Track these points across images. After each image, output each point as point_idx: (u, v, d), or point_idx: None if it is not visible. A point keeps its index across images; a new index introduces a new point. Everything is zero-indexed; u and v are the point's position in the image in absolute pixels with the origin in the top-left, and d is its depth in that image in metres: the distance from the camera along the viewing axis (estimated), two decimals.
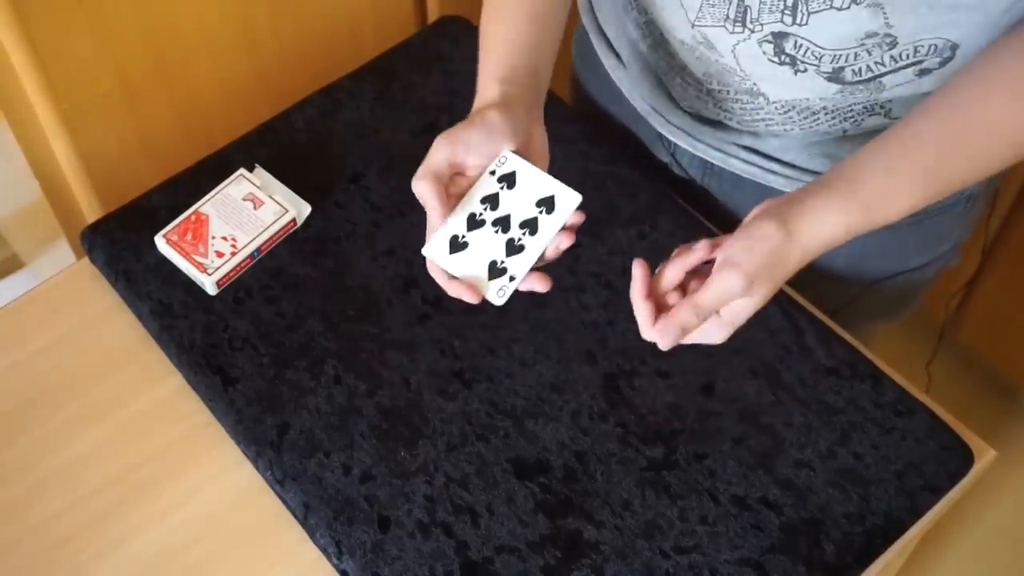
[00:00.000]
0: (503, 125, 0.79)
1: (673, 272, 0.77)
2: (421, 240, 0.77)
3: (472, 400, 0.89)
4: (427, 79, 1.10)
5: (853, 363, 0.91)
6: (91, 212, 1.15)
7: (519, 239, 0.78)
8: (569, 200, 0.79)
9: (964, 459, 0.86)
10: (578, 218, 0.80)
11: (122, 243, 0.98)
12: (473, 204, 0.79)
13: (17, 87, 1.02)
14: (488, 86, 0.81)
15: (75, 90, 1.05)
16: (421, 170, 0.78)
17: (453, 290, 0.78)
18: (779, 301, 0.94)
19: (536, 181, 0.79)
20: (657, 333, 0.76)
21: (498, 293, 0.77)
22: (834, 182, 0.75)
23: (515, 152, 0.79)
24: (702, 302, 0.74)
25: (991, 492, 1.67)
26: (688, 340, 0.77)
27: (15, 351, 0.95)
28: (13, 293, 1.00)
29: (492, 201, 0.79)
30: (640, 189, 1.01)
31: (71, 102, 1.05)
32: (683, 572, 0.81)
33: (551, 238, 0.78)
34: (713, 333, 0.77)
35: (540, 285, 0.79)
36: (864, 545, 0.82)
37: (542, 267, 0.79)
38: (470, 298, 0.78)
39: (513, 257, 0.78)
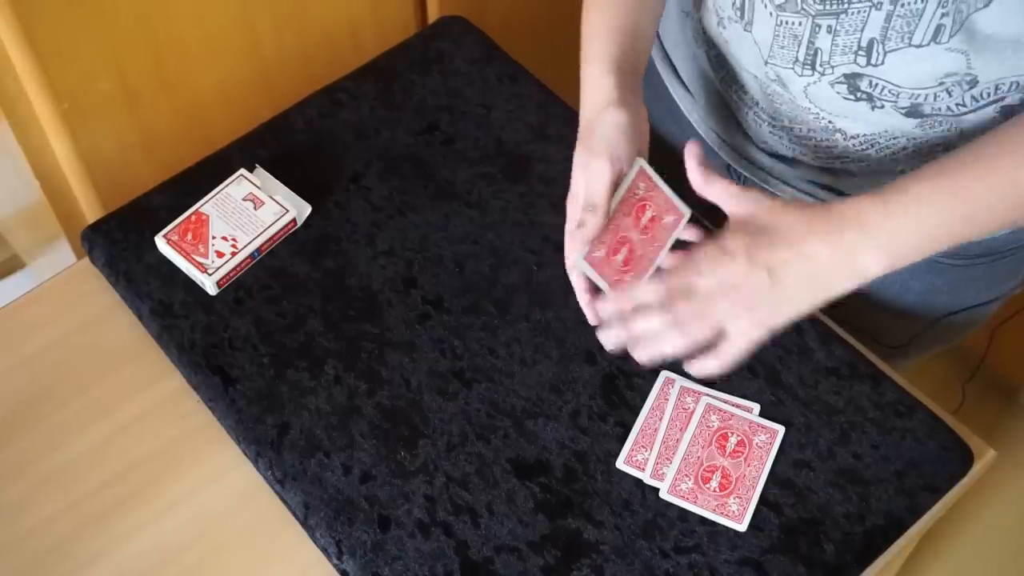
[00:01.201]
0: (633, 123, 0.80)
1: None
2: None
3: (472, 400, 0.89)
4: (427, 79, 1.10)
5: (853, 363, 0.91)
6: (91, 212, 1.15)
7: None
8: (679, 217, 0.84)
9: (964, 459, 0.86)
10: (692, 234, 0.84)
11: (122, 243, 0.98)
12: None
13: (17, 87, 1.02)
14: (602, 76, 0.81)
15: (75, 90, 1.04)
16: (596, 199, 0.79)
17: (585, 303, 0.83)
18: None
19: (658, 195, 0.83)
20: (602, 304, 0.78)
21: None
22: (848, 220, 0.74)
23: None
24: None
25: (991, 492, 1.67)
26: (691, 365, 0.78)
27: (15, 351, 0.95)
28: (13, 293, 1.00)
29: None
30: None
31: (71, 102, 1.05)
32: (683, 572, 0.81)
33: (664, 252, 0.83)
34: (708, 363, 0.77)
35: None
36: (864, 545, 0.82)
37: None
38: (593, 320, 0.83)
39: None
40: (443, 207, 1.00)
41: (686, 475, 0.84)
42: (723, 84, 0.93)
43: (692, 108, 1.00)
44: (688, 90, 0.99)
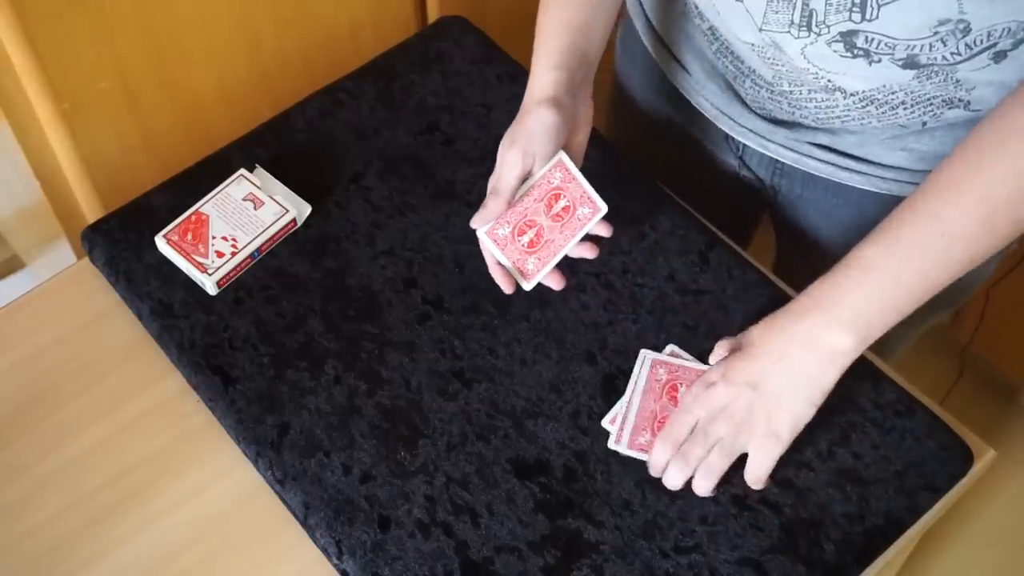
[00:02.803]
0: (558, 124, 0.86)
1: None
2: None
3: (472, 400, 0.89)
4: (427, 79, 1.10)
5: (853, 363, 0.90)
6: (91, 212, 1.15)
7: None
8: (595, 211, 0.89)
9: (964, 459, 0.86)
10: (605, 229, 0.90)
11: (122, 243, 0.98)
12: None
13: (17, 87, 1.02)
14: (539, 74, 0.87)
15: (75, 90, 1.05)
16: (501, 186, 0.87)
17: (495, 275, 0.90)
18: (780, 302, 0.94)
19: (575, 187, 0.89)
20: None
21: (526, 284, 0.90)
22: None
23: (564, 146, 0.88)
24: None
25: (991, 492, 1.67)
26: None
27: (15, 351, 0.95)
28: (13, 293, 1.00)
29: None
30: (640, 189, 1.01)
31: (71, 102, 1.05)
32: (683, 572, 0.81)
33: (574, 241, 0.89)
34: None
35: (555, 283, 0.90)
36: (864, 545, 0.82)
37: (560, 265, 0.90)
38: (506, 287, 0.90)
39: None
40: (443, 207, 1.00)
41: (643, 429, 0.86)
42: (717, 55, 0.94)
43: (686, 82, 1.01)
44: (682, 65, 1.00)
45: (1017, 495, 1.68)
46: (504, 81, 1.09)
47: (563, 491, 0.84)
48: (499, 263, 0.90)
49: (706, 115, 1.00)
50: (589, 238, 0.90)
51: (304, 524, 0.84)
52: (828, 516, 0.83)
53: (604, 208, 0.89)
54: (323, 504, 0.84)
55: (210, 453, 0.89)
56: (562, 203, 0.89)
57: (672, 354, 0.90)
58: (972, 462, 0.86)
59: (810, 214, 1.04)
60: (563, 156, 0.88)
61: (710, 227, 1.00)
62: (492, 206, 0.87)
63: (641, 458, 0.85)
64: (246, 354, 0.91)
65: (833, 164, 0.94)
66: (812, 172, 0.96)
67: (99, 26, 1.02)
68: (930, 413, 0.88)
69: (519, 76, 1.09)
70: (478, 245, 0.91)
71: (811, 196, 1.01)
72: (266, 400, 0.89)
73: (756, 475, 0.83)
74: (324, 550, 0.83)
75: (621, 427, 0.86)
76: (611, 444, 0.86)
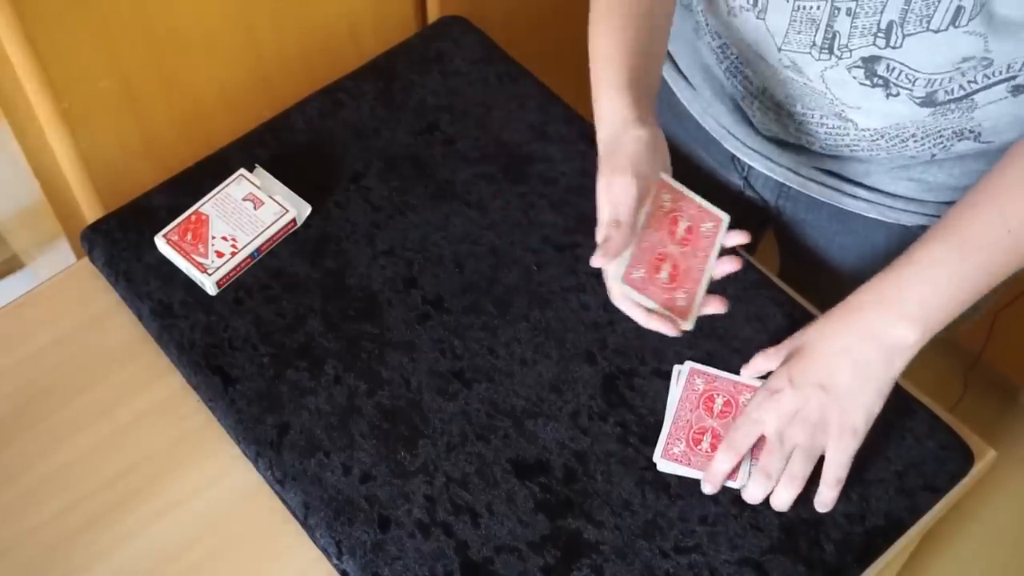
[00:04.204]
0: (655, 142, 0.78)
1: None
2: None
3: (472, 400, 0.89)
4: (427, 79, 1.10)
5: None
6: (91, 212, 1.15)
7: None
8: (717, 222, 0.82)
9: (964, 459, 0.86)
10: (741, 237, 0.82)
11: (122, 243, 0.98)
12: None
13: (17, 87, 1.02)
14: (613, 98, 0.79)
15: (75, 90, 1.04)
16: (622, 215, 0.77)
17: (652, 324, 0.80)
18: (780, 303, 0.94)
19: (688, 204, 0.81)
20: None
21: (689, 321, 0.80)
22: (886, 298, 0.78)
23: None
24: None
25: (991, 492, 1.67)
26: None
27: (15, 351, 0.95)
28: (13, 293, 1.00)
29: None
30: None
31: (71, 102, 1.05)
32: (683, 572, 0.81)
33: (713, 259, 0.81)
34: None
35: (716, 307, 0.82)
36: (864, 545, 0.82)
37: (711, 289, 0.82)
38: (669, 331, 0.79)
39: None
40: (443, 207, 1.00)
41: (677, 439, 0.85)
42: (727, 74, 0.93)
43: (693, 100, 1.00)
44: (689, 83, 0.99)
45: (1017, 495, 1.68)
46: (504, 81, 1.09)
47: (563, 491, 0.84)
48: (645, 308, 0.80)
49: (713, 134, 1.00)
50: (725, 250, 0.84)
51: (304, 524, 0.84)
52: (828, 516, 0.83)
53: (726, 217, 0.82)
54: (323, 504, 0.84)
55: (210, 453, 0.89)
56: (683, 224, 0.80)
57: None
58: (972, 462, 0.86)
59: (814, 237, 1.03)
60: (664, 176, 0.80)
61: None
62: (616, 236, 0.76)
63: (677, 472, 0.84)
64: (246, 354, 0.91)
65: (838, 191, 0.94)
66: (816, 197, 0.96)
67: (99, 26, 1.02)
68: (930, 413, 0.88)
69: (519, 76, 1.09)
70: (478, 245, 0.91)
71: (815, 220, 1.01)
72: (266, 400, 0.89)
73: (837, 474, 0.81)
74: (324, 550, 0.83)
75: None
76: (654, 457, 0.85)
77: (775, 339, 0.91)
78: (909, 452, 0.86)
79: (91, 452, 0.89)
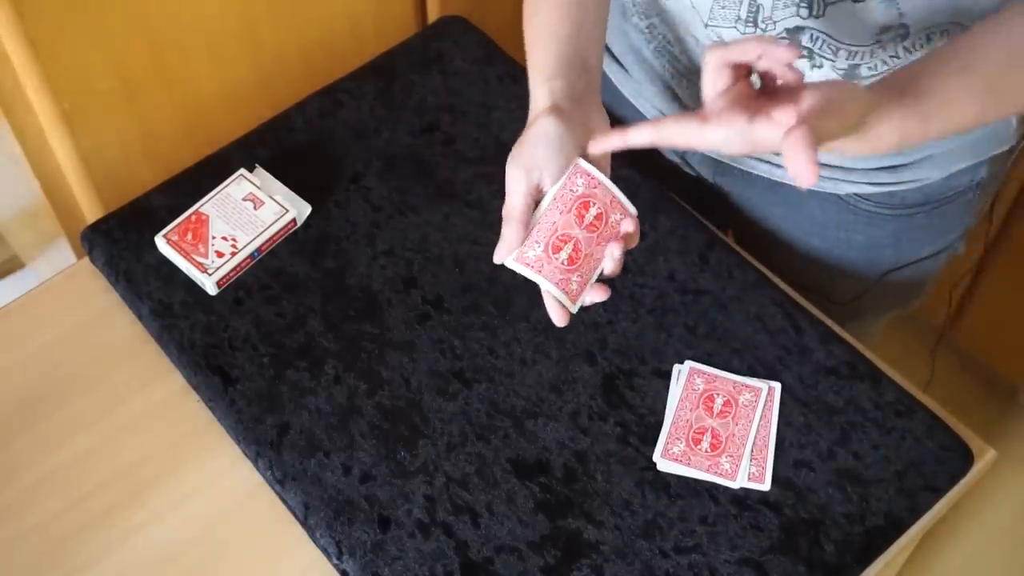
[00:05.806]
0: (562, 132, 0.76)
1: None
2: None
3: (472, 400, 0.89)
4: (427, 79, 1.10)
5: (853, 363, 0.91)
6: (91, 212, 1.15)
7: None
8: (627, 216, 0.79)
9: (964, 459, 0.86)
10: (630, 224, 0.79)
11: (122, 243, 0.98)
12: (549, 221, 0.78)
13: (17, 87, 1.02)
14: (537, 86, 0.79)
15: (75, 90, 1.04)
16: (509, 209, 0.76)
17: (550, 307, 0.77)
18: (779, 302, 0.94)
19: (603, 192, 0.79)
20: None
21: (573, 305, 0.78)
22: (896, 89, 0.70)
23: (583, 154, 0.78)
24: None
25: (991, 492, 1.67)
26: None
27: (15, 351, 0.95)
28: (13, 293, 1.00)
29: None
30: (640, 189, 1.01)
31: (71, 102, 1.05)
32: (683, 572, 0.81)
33: (613, 252, 0.78)
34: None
35: (599, 295, 0.78)
36: (864, 545, 0.82)
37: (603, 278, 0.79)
38: (559, 319, 0.77)
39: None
40: (443, 207, 1.00)
41: (677, 439, 0.85)
42: (655, 54, 0.94)
43: (626, 83, 1.01)
44: (622, 66, 1.00)
45: (1017, 495, 1.68)
46: (504, 81, 1.09)
47: (563, 491, 0.84)
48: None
49: (647, 116, 1.00)
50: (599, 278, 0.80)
51: (304, 524, 0.84)
52: (828, 516, 0.83)
53: (634, 212, 0.81)
54: (323, 504, 0.84)
55: (210, 453, 0.89)
56: (594, 211, 0.79)
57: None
58: (972, 462, 0.86)
59: (752, 211, 1.05)
60: (581, 162, 0.78)
61: (710, 227, 1.00)
62: (507, 234, 0.77)
63: (677, 471, 0.84)
64: (246, 354, 0.91)
65: (770, 163, 0.96)
66: (750, 171, 0.97)
67: (99, 26, 1.02)
68: (930, 413, 0.88)
69: (519, 76, 1.09)
70: (478, 245, 0.91)
71: (752, 195, 1.02)
72: (266, 400, 0.89)
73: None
74: (324, 550, 0.83)
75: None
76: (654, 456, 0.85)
77: (775, 339, 0.92)
78: (909, 452, 0.86)
79: (91, 452, 0.89)
